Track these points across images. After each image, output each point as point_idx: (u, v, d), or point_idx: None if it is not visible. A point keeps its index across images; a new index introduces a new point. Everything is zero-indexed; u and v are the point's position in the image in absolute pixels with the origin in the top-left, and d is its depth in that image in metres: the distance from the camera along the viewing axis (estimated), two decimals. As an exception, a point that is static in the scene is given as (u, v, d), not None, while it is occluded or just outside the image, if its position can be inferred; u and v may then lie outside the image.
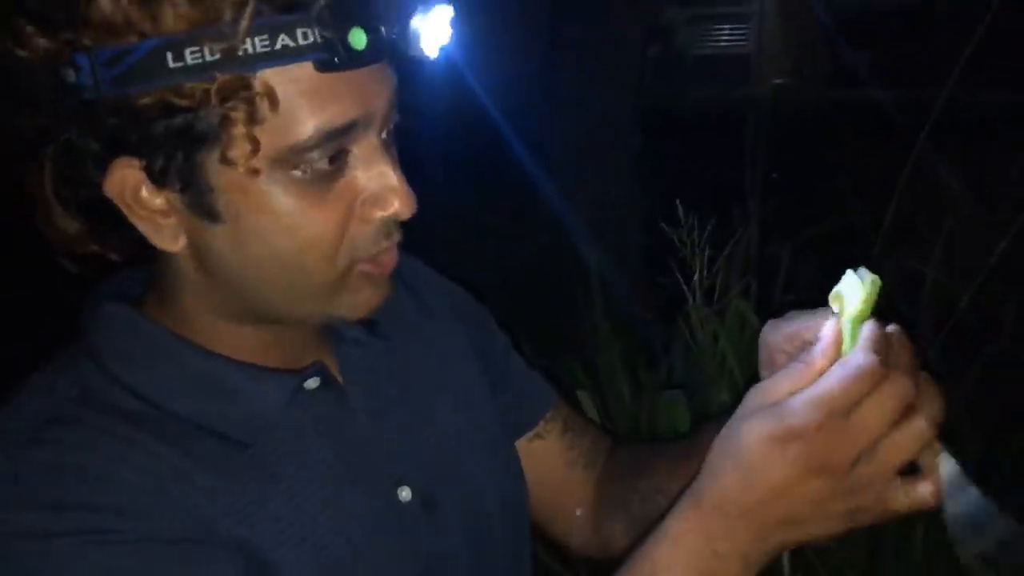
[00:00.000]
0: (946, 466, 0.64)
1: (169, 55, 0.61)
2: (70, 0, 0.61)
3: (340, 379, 0.80)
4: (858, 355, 0.62)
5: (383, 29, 0.66)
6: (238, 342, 0.75)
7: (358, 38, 0.64)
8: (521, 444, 0.97)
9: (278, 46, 0.62)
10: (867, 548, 1.93)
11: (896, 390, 0.61)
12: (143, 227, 0.68)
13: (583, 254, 2.76)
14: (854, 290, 0.65)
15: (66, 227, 0.70)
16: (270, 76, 0.63)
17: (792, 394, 0.63)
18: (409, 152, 0.75)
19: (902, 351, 0.64)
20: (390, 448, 0.81)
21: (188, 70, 0.61)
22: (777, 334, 0.72)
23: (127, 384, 0.71)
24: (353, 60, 0.64)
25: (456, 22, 0.70)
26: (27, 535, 0.64)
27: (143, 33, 0.61)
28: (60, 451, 0.67)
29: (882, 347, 0.63)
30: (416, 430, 0.84)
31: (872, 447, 0.62)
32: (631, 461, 1.01)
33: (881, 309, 0.66)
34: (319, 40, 0.63)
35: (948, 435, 0.65)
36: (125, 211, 0.67)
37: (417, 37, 0.68)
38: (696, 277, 1.99)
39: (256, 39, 0.62)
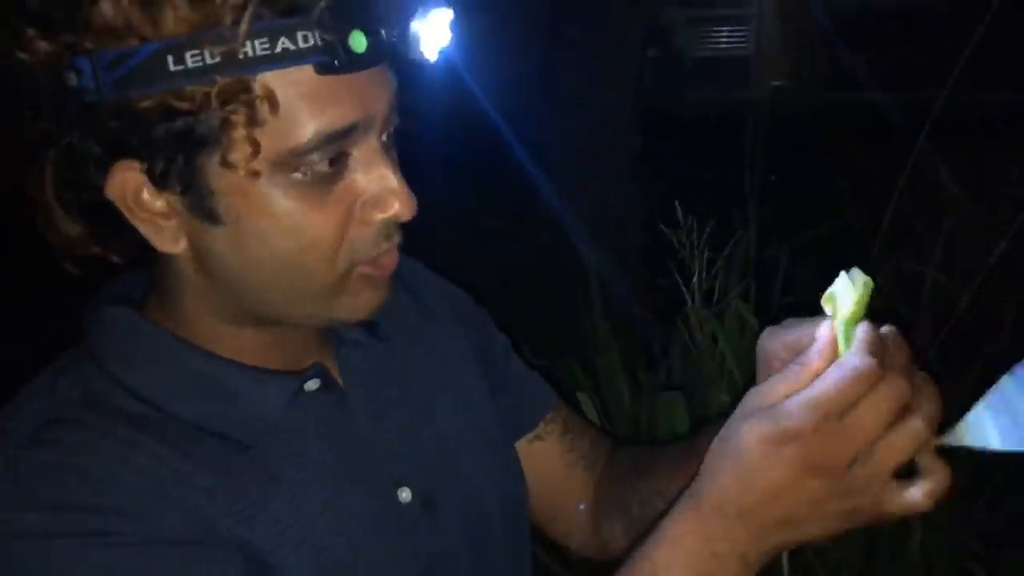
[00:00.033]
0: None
1: (170, 58, 0.61)
2: (71, 4, 0.62)
3: (340, 381, 0.81)
4: (853, 357, 0.63)
5: (383, 32, 0.66)
6: (239, 344, 0.75)
7: (358, 41, 0.64)
8: (521, 445, 0.97)
9: (278, 49, 0.62)
10: (864, 549, 1.93)
11: (892, 391, 0.62)
12: (144, 229, 0.68)
13: (583, 255, 2.76)
14: (847, 292, 0.65)
15: (67, 230, 0.70)
16: (270, 79, 0.63)
17: (789, 396, 0.63)
18: (409, 154, 0.75)
19: (897, 352, 0.65)
20: (390, 449, 0.81)
21: (188, 73, 0.62)
22: (775, 342, 0.72)
23: (128, 386, 0.71)
24: (353, 63, 0.65)
25: (456, 25, 0.70)
26: (27, 536, 0.64)
27: (144, 36, 0.61)
28: (61, 452, 0.67)
29: (877, 348, 0.63)
30: (416, 431, 0.84)
31: (868, 448, 0.62)
32: (630, 463, 1.01)
33: (878, 310, 0.66)
34: (319, 43, 0.63)
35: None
36: (126, 214, 0.68)
37: (417, 40, 0.68)
38: (695, 278, 2.00)
39: (256, 42, 0.62)
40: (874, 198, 2.37)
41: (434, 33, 0.69)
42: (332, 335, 0.82)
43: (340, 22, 0.63)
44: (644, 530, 0.70)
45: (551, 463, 1.00)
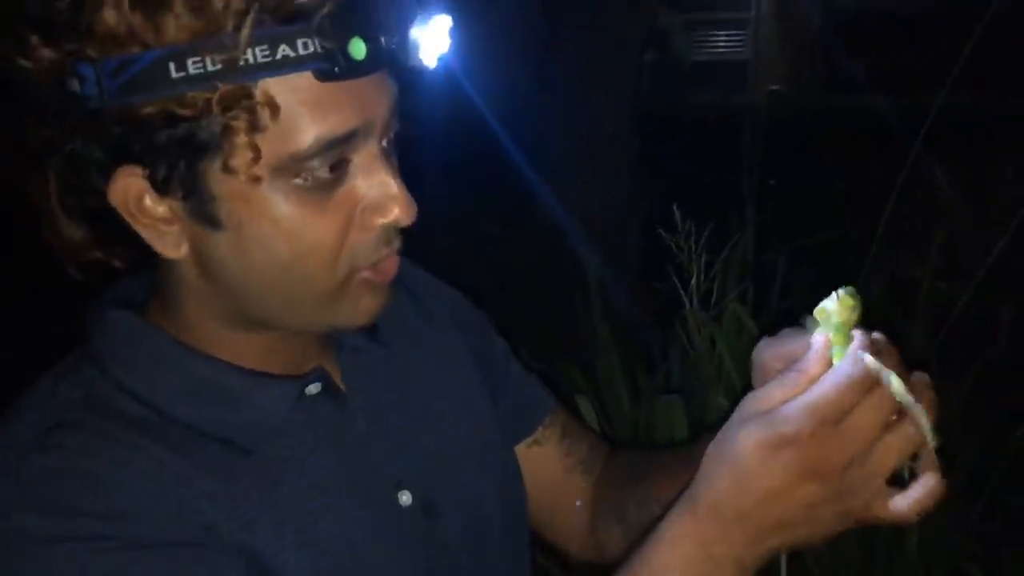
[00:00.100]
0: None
1: (172, 65, 0.62)
2: (75, 11, 0.62)
3: (341, 385, 0.81)
4: (848, 363, 0.63)
5: (383, 39, 0.66)
6: (240, 348, 0.75)
7: (358, 48, 0.64)
8: (520, 449, 0.98)
9: (279, 56, 0.63)
10: (862, 550, 1.93)
11: (886, 396, 0.63)
12: (146, 235, 0.69)
13: (581, 258, 2.76)
14: (838, 304, 0.67)
15: (70, 235, 0.70)
16: (271, 85, 0.64)
17: (785, 402, 0.64)
18: (408, 160, 0.75)
19: (889, 358, 0.66)
20: (390, 453, 0.81)
21: (190, 80, 0.62)
22: (770, 352, 0.73)
23: (131, 390, 0.72)
24: (353, 70, 0.65)
25: (455, 31, 0.71)
26: (30, 539, 0.64)
27: (146, 44, 0.62)
28: (63, 456, 0.67)
29: (872, 354, 0.64)
30: (416, 435, 0.84)
31: (864, 453, 0.63)
32: (628, 467, 1.01)
33: (874, 314, 0.67)
34: (319, 50, 0.63)
35: (942, 438, 0.66)
36: (129, 219, 0.68)
37: (416, 47, 0.69)
38: (693, 282, 2.01)
39: (257, 49, 0.62)
40: (871, 201, 2.38)
41: (433, 40, 0.69)
42: (333, 339, 0.83)
43: (340, 29, 0.64)
44: (641, 533, 0.70)
45: (549, 467, 1.00)
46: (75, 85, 0.63)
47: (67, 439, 0.68)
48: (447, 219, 3.05)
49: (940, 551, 1.93)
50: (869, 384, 0.62)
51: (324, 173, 0.67)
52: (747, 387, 0.70)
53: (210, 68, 0.62)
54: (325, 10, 0.63)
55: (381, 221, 0.71)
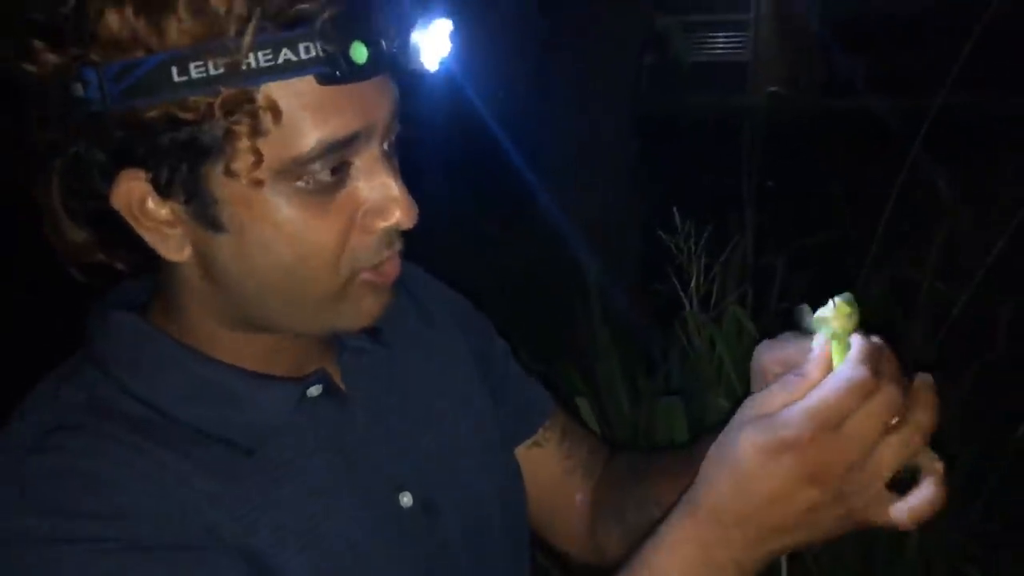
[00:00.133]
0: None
1: (174, 69, 0.62)
2: (78, 16, 0.62)
3: (342, 386, 0.81)
4: (849, 367, 0.64)
5: (384, 43, 0.67)
6: (242, 350, 0.76)
7: (359, 52, 0.65)
8: (519, 451, 0.98)
9: (281, 60, 0.63)
10: (861, 551, 1.94)
11: (886, 400, 0.63)
12: (149, 237, 0.69)
13: (581, 260, 2.77)
14: (837, 310, 0.67)
15: (74, 237, 0.70)
16: (273, 89, 0.64)
17: (786, 406, 0.64)
18: (409, 161, 0.76)
19: (887, 363, 0.66)
20: (391, 454, 0.81)
21: (193, 84, 0.62)
22: (770, 356, 0.73)
23: (133, 391, 0.72)
24: (354, 73, 0.65)
25: (455, 35, 0.71)
26: (31, 541, 0.64)
27: (149, 48, 0.62)
28: (65, 457, 0.67)
29: (871, 359, 0.64)
30: (416, 436, 0.85)
31: (863, 457, 0.63)
32: (628, 470, 1.01)
33: (874, 316, 0.68)
34: (321, 54, 0.64)
35: (941, 438, 0.66)
36: (131, 222, 0.68)
37: (417, 51, 0.69)
38: (692, 283, 2.01)
39: (259, 53, 0.63)
40: (871, 202, 2.38)
41: (434, 43, 0.70)
42: (334, 341, 0.83)
43: (341, 33, 0.64)
44: (641, 536, 0.70)
45: (549, 469, 1.00)
46: (78, 89, 0.64)
47: (68, 441, 0.68)
48: (447, 220, 3.05)
49: (940, 552, 1.93)
50: (869, 389, 0.63)
51: (326, 176, 0.68)
52: (746, 389, 0.70)
53: (212, 72, 0.62)
54: (327, 15, 0.63)
55: (383, 224, 0.71)
